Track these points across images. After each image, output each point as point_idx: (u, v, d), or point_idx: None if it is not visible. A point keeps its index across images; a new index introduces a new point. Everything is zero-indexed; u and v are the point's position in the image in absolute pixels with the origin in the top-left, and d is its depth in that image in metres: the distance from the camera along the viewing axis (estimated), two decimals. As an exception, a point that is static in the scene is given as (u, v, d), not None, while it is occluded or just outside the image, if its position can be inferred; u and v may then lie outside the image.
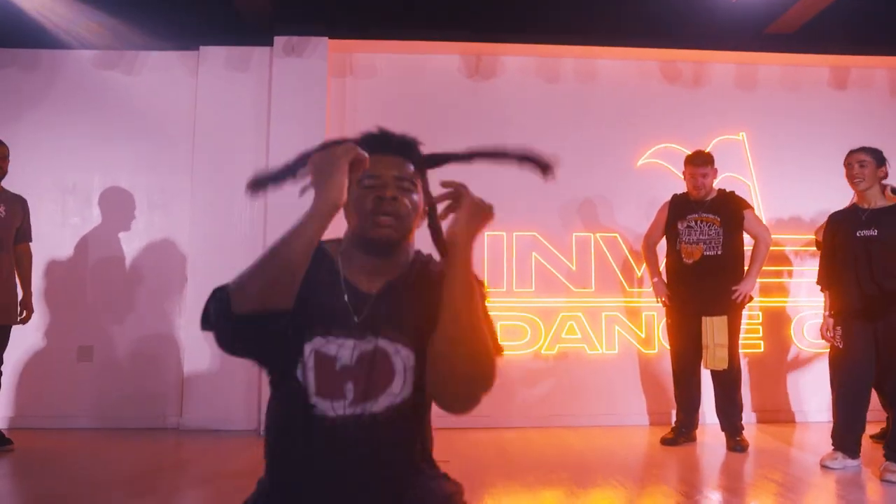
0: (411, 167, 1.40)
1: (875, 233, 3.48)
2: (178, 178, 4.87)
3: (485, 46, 5.06)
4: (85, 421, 4.60)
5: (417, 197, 1.39)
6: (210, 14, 4.85)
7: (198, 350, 4.60)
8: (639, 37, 5.09)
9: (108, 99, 4.93)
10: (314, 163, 1.26)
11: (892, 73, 5.44)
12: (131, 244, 4.85)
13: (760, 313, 5.05)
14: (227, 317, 1.19)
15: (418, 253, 1.46)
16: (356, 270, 1.38)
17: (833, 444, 3.59)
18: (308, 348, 1.31)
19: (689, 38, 5.11)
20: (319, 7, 4.91)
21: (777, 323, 5.07)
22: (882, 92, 5.44)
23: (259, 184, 1.41)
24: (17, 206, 4.03)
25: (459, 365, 1.25)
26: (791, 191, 5.17)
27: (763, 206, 5.13)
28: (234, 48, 4.91)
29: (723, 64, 5.31)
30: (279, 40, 4.83)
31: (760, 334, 5.05)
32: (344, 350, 1.31)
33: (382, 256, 1.37)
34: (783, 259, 5.12)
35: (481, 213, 1.36)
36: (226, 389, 4.62)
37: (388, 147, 1.40)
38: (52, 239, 4.73)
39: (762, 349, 5.02)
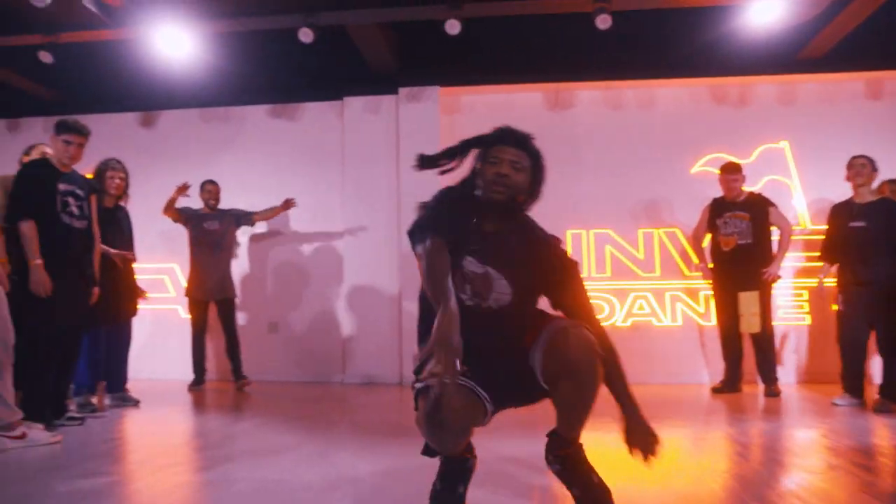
0: (524, 155, 2.03)
1: (864, 224, 4.52)
2: (332, 197, 6.47)
3: (561, 85, 6.35)
4: (273, 376, 6.30)
5: (524, 175, 2.02)
6: (350, 72, 6.40)
7: (354, 324, 6.19)
8: (689, 67, 6.20)
9: (279, 141, 6.60)
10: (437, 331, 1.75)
11: (922, 82, 6.27)
12: (300, 247, 6.49)
13: (805, 292, 6.01)
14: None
15: (527, 218, 2.08)
16: (486, 218, 2.04)
17: (842, 387, 4.63)
18: (461, 262, 2.00)
19: (733, 66, 6.14)
20: (432, 62, 6.35)
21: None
22: (913, 99, 6.28)
23: (425, 162, 2.13)
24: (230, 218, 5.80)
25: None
26: (829, 190, 5.89)
27: (806, 202, 6.11)
28: (369, 97, 6.44)
29: (764, 84, 6.34)
30: (403, 90, 6.33)
31: (806, 309, 6.02)
32: (470, 266, 2.01)
33: (498, 210, 2.01)
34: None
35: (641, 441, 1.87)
36: (374, 354, 6.16)
37: (509, 139, 2.05)
38: (243, 247, 6.45)
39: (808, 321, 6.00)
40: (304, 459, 2.96)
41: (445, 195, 2.10)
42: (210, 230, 5.71)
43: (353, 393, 5.58)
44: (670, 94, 6.41)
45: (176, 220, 5.74)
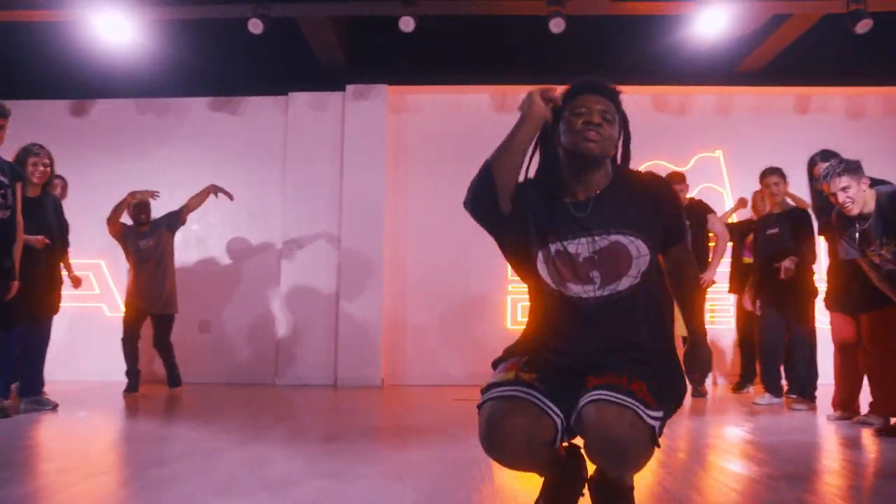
0: (612, 106, 1.76)
1: (777, 231, 4.75)
2: (272, 195, 6.33)
3: (508, 87, 6.39)
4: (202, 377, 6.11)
5: (615, 128, 1.76)
6: (297, 67, 6.29)
7: (289, 325, 6.07)
8: (633, 75, 6.34)
9: (221, 135, 6.42)
10: (523, 100, 1.73)
11: (846, 100, 6.58)
12: (237, 245, 6.32)
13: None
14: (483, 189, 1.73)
15: (618, 167, 1.82)
16: (570, 187, 1.76)
17: (763, 387, 4.85)
18: (552, 249, 1.71)
19: (675, 76, 6.33)
20: (381, 61, 6.30)
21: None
22: (839, 115, 6.59)
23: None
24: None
25: None
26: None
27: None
28: (315, 93, 6.34)
29: (704, 95, 6.54)
30: (350, 87, 6.26)
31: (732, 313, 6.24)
32: (581, 247, 1.70)
33: (590, 168, 1.73)
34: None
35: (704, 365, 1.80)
36: (309, 356, 6.06)
37: (596, 89, 1.76)
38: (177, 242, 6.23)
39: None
40: (240, 464, 2.87)
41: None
42: (146, 248, 5.43)
43: (288, 395, 5.48)
44: (613, 102, 6.52)
45: (115, 235, 5.43)
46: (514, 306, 6.31)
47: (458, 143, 6.27)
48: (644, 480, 2.34)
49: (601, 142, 1.71)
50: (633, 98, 6.46)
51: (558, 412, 1.64)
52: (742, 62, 6.22)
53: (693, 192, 6.06)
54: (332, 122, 6.32)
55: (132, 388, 5.35)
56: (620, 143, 1.82)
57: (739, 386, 5.63)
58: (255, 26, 5.09)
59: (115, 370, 5.48)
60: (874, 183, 3.43)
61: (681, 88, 6.46)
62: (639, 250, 1.69)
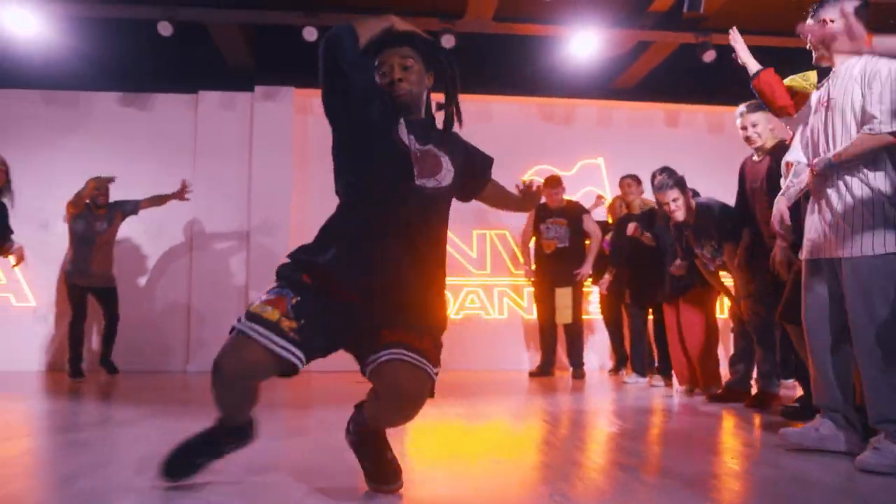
0: (410, 50, 1.94)
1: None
2: (182, 189, 6.56)
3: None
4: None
5: (418, 68, 1.95)
6: (207, 67, 6.55)
7: (200, 315, 6.34)
8: (523, 88, 6.97)
9: (129, 130, 6.59)
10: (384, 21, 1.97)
11: (708, 115, 7.43)
12: (149, 239, 6.52)
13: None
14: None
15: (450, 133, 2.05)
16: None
17: (631, 368, 5.52)
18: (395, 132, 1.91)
19: (560, 89, 6.99)
20: (288, 64, 6.63)
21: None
22: (702, 129, 7.44)
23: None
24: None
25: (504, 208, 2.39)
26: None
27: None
28: (224, 93, 6.63)
29: (586, 107, 7.24)
30: (259, 89, 6.58)
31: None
32: (412, 143, 1.93)
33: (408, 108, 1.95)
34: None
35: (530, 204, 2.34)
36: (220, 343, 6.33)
37: (395, 41, 1.95)
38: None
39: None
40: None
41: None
42: (101, 230, 5.69)
43: (198, 381, 5.75)
44: (505, 110, 7.13)
45: (74, 215, 5.66)
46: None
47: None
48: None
49: (408, 91, 1.94)
50: (523, 108, 7.19)
51: (301, 357, 1.78)
52: (617, 79, 6.94)
53: (577, 195, 6.75)
54: (240, 121, 6.62)
55: (75, 373, 5.51)
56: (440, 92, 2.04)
57: (537, 373, 6.05)
58: (165, 28, 5.36)
59: (23, 359, 5.63)
60: (695, 195, 4.14)
61: (565, 101, 7.13)
62: (447, 166, 1.96)
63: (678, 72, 6.67)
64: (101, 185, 5.71)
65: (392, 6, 5.48)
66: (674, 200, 4.05)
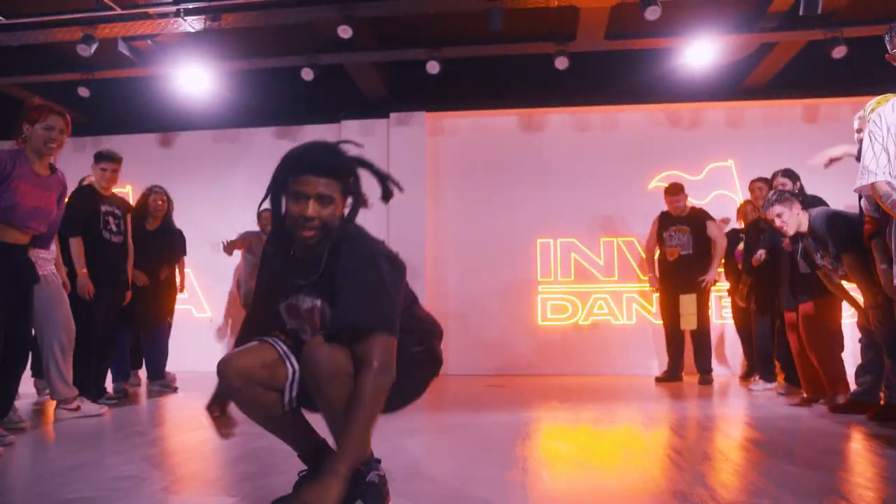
0: (331, 182, 1.78)
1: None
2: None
3: (534, 110, 7.17)
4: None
5: (335, 206, 1.81)
6: (347, 99, 7.24)
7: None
8: (647, 95, 7.01)
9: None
10: None
11: (855, 107, 6.98)
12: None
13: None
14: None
15: (340, 235, 1.87)
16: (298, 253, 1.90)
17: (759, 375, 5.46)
18: (282, 305, 2.00)
19: (685, 94, 6.95)
20: (419, 91, 7.17)
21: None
22: (846, 122, 7.02)
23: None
24: None
25: None
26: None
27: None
28: (363, 121, 7.28)
29: (713, 109, 7.13)
30: (393, 115, 7.17)
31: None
32: (303, 302, 1.98)
33: (310, 247, 1.84)
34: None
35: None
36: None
37: (317, 168, 1.77)
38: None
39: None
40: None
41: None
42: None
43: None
44: (630, 118, 7.21)
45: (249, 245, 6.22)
46: (543, 305, 7.07)
47: (489, 159, 7.13)
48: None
49: (316, 232, 1.82)
50: (649, 115, 7.24)
51: (295, 365, 1.93)
52: (745, 80, 6.78)
53: (706, 199, 6.72)
54: (379, 145, 7.23)
55: None
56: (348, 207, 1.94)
57: (664, 379, 6.06)
58: (308, 74, 6.07)
59: (203, 361, 6.54)
60: (813, 203, 4.07)
61: (691, 105, 7.07)
62: (327, 311, 1.91)
63: (813, 65, 6.39)
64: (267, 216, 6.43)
65: (508, 36, 5.84)
66: (778, 216, 4.01)
